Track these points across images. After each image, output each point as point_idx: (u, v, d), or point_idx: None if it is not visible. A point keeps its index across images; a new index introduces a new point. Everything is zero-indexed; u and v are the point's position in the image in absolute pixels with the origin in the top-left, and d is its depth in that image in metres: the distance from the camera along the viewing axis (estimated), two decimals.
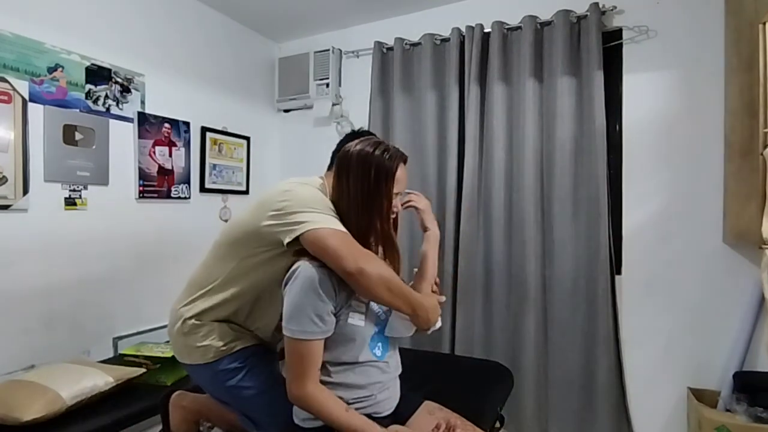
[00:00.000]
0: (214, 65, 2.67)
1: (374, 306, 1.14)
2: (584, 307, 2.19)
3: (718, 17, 2.01)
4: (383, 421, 1.11)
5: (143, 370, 1.78)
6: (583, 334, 2.19)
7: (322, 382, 1.07)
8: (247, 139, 2.89)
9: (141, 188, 2.24)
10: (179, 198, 2.45)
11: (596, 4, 2.16)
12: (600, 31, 2.15)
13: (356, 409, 1.09)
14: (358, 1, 2.58)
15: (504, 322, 2.33)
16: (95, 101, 2.06)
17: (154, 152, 2.31)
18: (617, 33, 2.21)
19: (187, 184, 2.49)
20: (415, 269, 1.30)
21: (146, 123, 2.26)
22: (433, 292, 1.25)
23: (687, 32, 2.08)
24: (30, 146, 1.81)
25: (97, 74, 2.06)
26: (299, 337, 1.03)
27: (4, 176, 1.73)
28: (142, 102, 2.26)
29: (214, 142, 2.67)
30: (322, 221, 1.09)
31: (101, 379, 1.62)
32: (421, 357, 1.89)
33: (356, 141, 1.13)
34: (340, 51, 2.89)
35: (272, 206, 1.15)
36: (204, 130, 2.60)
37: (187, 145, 2.49)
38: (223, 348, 1.27)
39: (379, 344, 1.15)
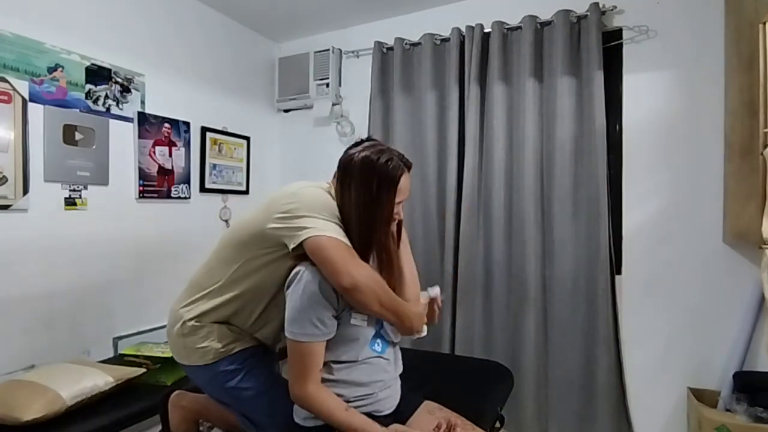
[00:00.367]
0: (214, 65, 2.67)
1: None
2: (584, 307, 2.19)
3: (718, 17, 2.01)
4: (384, 420, 1.11)
5: (143, 370, 1.78)
6: (583, 334, 2.19)
7: (325, 380, 1.08)
8: (247, 139, 2.89)
9: (141, 188, 2.24)
10: (179, 198, 2.45)
11: (596, 4, 2.16)
12: (600, 31, 2.15)
13: (358, 407, 1.10)
14: (358, 1, 2.58)
15: (504, 322, 2.33)
16: (95, 101, 2.06)
17: (154, 152, 2.31)
18: (617, 33, 2.21)
19: (187, 184, 2.49)
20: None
21: (146, 123, 2.26)
22: (430, 316, 1.27)
23: (687, 32, 2.08)
24: (30, 146, 1.81)
25: (97, 74, 2.06)
26: (301, 339, 1.04)
27: (4, 176, 1.73)
28: (142, 102, 2.26)
29: (214, 142, 2.67)
30: (325, 229, 1.08)
31: (101, 379, 1.62)
32: (421, 357, 1.89)
33: (360, 147, 1.12)
34: (340, 51, 2.89)
35: (279, 208, 1.15)
36: (204, 130, 2.60)
37: (187, 145, 2.49)
38: (222, 350, 1.26)
39: (378, 341, 1.16)
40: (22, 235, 1.80)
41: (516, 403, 2.21)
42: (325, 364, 1.09)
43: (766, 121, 1.63)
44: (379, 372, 1.15)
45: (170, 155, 2.39)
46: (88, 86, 2.02)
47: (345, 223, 1.11)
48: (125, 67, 2.18)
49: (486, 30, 2.38)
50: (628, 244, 2.20)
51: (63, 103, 1.93)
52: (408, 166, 1.13)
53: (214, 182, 2.67)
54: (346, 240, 1.10)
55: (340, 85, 2.90)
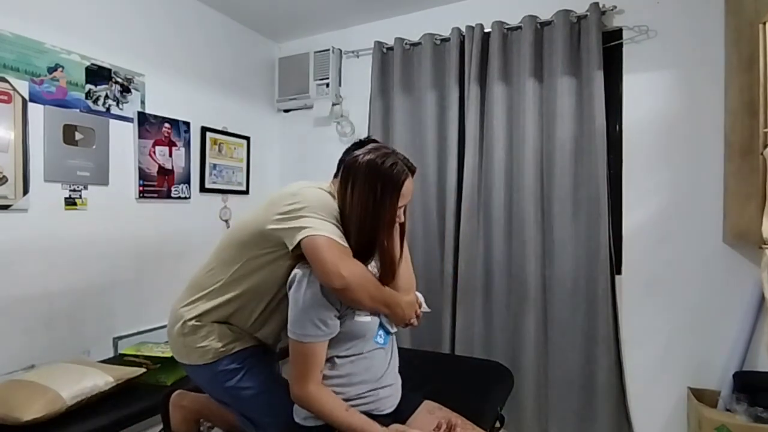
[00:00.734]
0: (214, 65, 2.67)
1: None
2: (584, 307, 2.19)
3: (718, 17, 2.01)
4: (384, 420, 1.11)
5: (143, 370, 1.78)
6: (583, 334, 2.19)
7: (328, 376, 1.09)
8: (247, 139, 2.90)
9: (141, 188, 2.24)
10: (179, 198, 2.45)
11: (596, 3, 2.16)
12: (600, 31, 2.15)
13: (359, 405, 1.10)
14: (358, 1, 2.58)
15: (504, 322, 2.33)
16: (95, 101, 2.06)
17: (154, 152, 2.31)
18: (617, 33, 2.21)
19: (187, 184, 2.49)
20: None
21: (146, 123, 2.26)
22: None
23: (687, 32, 2.08)
24: (30, 146, 1.81)
25: (97, 74, 2.06)
26: (302, 340, 1.04)
27: (4, 176, 1.73)
28: (142, 102, 2.26)
29: (214, 142, 2.67)
30: (322, 229, 1.09)
31: (101, 379, 1.62)
32: (421, 357, 1.89)
33: (365, 150, 1.12)
34: (340, 51, 2.89)
35: (279, 209, 1.16)
36: (204, 130, 2.60)
37: (187, 145, 2.49)
38: (222, 349, 1.27)
39: (381, 332, 1.17)
40: (22, 235, 1.80)
41: (516, 403, 2.21)
42: (328, 359, 1.09)
43: (766, 121, 1.63)
44: (380, 362, 1.16)
45: (170, 155, 2.39)
46: (88, 86, 2.02)
47: (347, 225, 1.11)
48: (125, 67, 2.18)
49: (486, 30, 2.38)
50: (628, 244, 2.20)
51: (63, 103, 1.93)
52: (412, 170, 1.13)
53: (214, 182, 2.67)
54: (342, 240, 1.10)
55: (340, 85, 2.90)
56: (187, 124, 2.49)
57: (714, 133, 2.02)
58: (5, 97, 1.74)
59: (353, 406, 1.09)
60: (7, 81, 1.74)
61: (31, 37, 1.82)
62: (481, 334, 2.37)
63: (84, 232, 2.01)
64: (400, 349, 1.30)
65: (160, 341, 2.05)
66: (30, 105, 1.81)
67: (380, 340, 1.16)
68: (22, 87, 1.79)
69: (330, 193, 1.21)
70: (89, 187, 2.03)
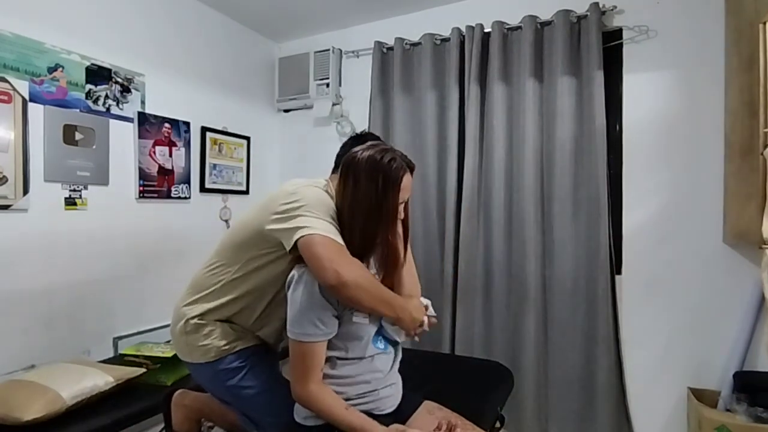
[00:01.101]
0: (214, 65, 2.67)
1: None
2: (584, 307, 2.19)
3: (718, 17, 2.01)
4: (384, 420, 1.11)
5: (143, 370, 1.78)
6: (583, 334, 2.19)
7: (328, 376, 1.09)
8: (247, 139, 2.90)
9: (141, 188, 2.24)
10: (179, 198, 2.45)
11: (596, 3, 2.16)
12: (600, 30, 2.15)
13: (359, 404, 1.11)
14: (358, 1, 2.58)
15: (504, 322, 2.33)
16: (95, 101, 2.06)
17: (155, 152, 2.31)
18: (617, 33, 2.21)
19: (187, 184, 2.49)
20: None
21: (146, 123, 2.26)
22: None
23: (687, 32, 2.08)
24: (30, 146, 1.81)
25: (97, 74, 2.06)
26: (302, 339, 1.04)
27: (4, 176, 1.73)
28: (142, 102, 2.26)
29: (214, 142, 2.67)
30: (317, 227, 1.08)
31: (101, 379, 1.62)
32: (421, 357, 1.89)
33: (364, 146, 1.12)
34: (341, 51, 2.89)
35: (276, 208, 1.16)
36: (204, 130, 2.60)
37: (187, 145, 2.49)
38: (225, 347, 1.27)
39: (380, 338, 1.17)
40: (22, 234, 1.80)
41: (516, 403, 2.21)
42: (329, 359, 1.10)
43: (766, 121, 1.63)
44: (381, 367, 1.16)
45: (170, 155, 2.39)
46: (88, 86, 2.02)
47: (348, 220, 1.11)
48: (125, 67, 2.18)
49: (486, 30, 2.38)
50: (628, 244, 2.20)
51: (63, 103, 1.93)
52: (411, 167, 1.14)
53: (214, 182, 2.67)
54: (338, 238, 1.09)
55: (340, 85, 2.90)
56: (187, 124, 2.49)
57: (714, 133, 2.02)
58: (5, 97, 1.74)
59: (353, 405, 1.09)
60: (7, 81, 1.74)
61: (31, 37, 1.82)
62: (481, 334, 2.37)
63: (84, 232, 2.01)
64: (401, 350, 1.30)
65: (160, 341, 2.05)
66: (30, 105, 1.81)
67: (380, 345, 1.16)
68: (22, 87, 1.79)
69: (327, 190, 1.21)
70: (89, 187, 2.03)
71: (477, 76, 2.38)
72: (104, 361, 1.92)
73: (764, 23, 1.61)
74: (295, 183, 1.22)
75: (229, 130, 2.76)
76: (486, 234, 2.39)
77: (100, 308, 2.08)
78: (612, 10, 2.19)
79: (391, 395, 1.19)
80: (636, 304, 2.17)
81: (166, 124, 2.37)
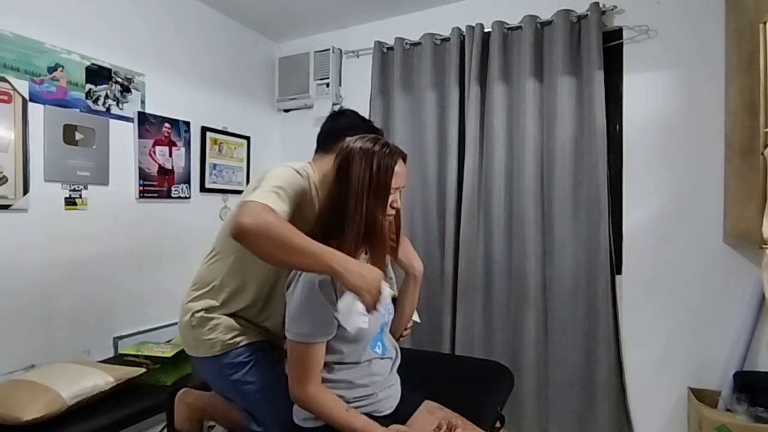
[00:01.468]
0: (214, 65, 2.67)
1: (379, 308, 1.14)
2: (584, 307, 2.19)
3: (718, 17, 2.01)
4: (384, 421, 1.11)
5: (143, 369, 1.78)
6: (584, 334, 2.19)
7: (325, 380, 1.08)
8: (248, 139, 2.89)
9: (141, 188, 2.24)
10: (179, 198, 2.45)
11: (596, 3, 2.16)
12: (600, 30, 2.15)
13: (357, 407, 1.10)
14: (358, 1, 2.58)
15: (504, 322, 2.33)
16: (95, 101, 2.05)
17: (155, 152, 2.31)
18: (617, 33, 2.20)
19: (187, 184, 2.49)
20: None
21: (146, 123, 2.26)
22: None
23: (687, 32, 2.08)
24: (30, 146, 1.81)
25: (97, 74, 2.06)
26: (300, 340, 1.04)
27: (4, 176, 1.73)
28: (142, 102, 2.26)
29: (214, 141, 2.67)
30: (259, 197, 1.09)
31: (101, 379, 1.62)
32: (421, 357, 1.89)
33: (355, 138, 1.15)
34: (341, 51, 2.89)
35: (246, 194, 1.20)
36: (204, 129, 2.60)
37: (187, 144, 2.49)
38: (229, 341, 1.30)
39: (379, 343, 1.16)
40: (22, 234, 1.80)
41: (516, 403, 2.21)
42: (326, 364, 1.09)
43: (767, 121, 1.63)
44: (379, 371, 1.15)
45: (170, 155, 2.39)
46: (88, 86, 2.02)
47: (344, 210, 1.10)
48: (125, 66, 2.18)
49: (486, 30, 2.38)
50: (628, 244, 2.20)
51: (63, 103, 1.93)
52: (403, 156, 1.16)
53: (214, 182, 2.67)
54: (276, 206, 1.09)
55: (340, 84, 2.90)
56: (187, 123, 2.49)
57: (714, 133, 2.02)
58: (5, 97, 1.74)
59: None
60: (7, 81, 1.74)
61: (31, 37, 1.82)
62: (481, 333, 2.36)
63: (84, 232, 2.01)
64: (400, 349, 1.30)
65: (160, 341, 2.05)
66: (30, 105, 1.81)
67: (378, 350, 1.16)
68: (22, 87, 1.79)
69: (300, 170, 1.26)
70: (89, 187, 2.03)
71: (477, 76, 2.37)
72: (104, 361, 1.92)
73: (764, 23, 1.61)
74: (272, 166, 1.27)
75: (229, 130, 2.76)
76: (486, 234, 2.39)
77: (100, 308, 2.08)
78: (612, 9, 2.19)
79: (390, 396, 1.19)
80: (636, 304, 2.17)
81: (166, 124, 2.37)
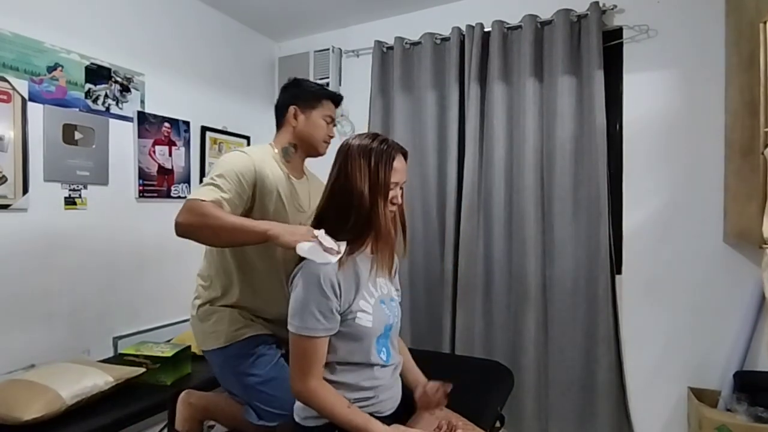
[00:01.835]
0: (214, 64, 2.67)
1: (384, 308, 1.14)
2: (584, 307, 2.19)
3: (718, 16, 2.00)
4: (384, 421, 1.11)
5: (143, 369, 1.78)
6: (584, 334, 2.19)
7: (327, 380, 1.08)
8: (247, 138, 2.89)
9: (141, 188, 2.24)
10: (179, 197, 2.45)
11: (596, 3, 2.15)
12: (600, 30, 2.15)
13: (359, 408, 1.09)
14: (358, 1, 2.58)
15: (504, 322, 2.33)
16: (95, 100, 2.05)
17: (154, 152, 2.31)
18: (618, 32, 2.20)
19: (187, 184, 2.49)
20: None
21: (146, 122, 2.26)
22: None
23: (687, 31, 2.07)
24: (30, 146, 1.81)
25: (97, 73, 2.06)
26: (302, 333, 1.04)
27: (3, 176, 1.73)
28: (142, 101, 2.26)
29: (214, 141, 2.67)
30: (196, 193, 1.25)
31: (101, 379, 1.62)
32: (421, 357, 1.88)
33: (354, 135, 1.18)
34: (340, 50, 2.89)
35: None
36: (204, 129, 2.60)
37: (187, 144, 2.49)
38: (234, 333, 1.36)
39: (384, 349, 1.16)
40: (22, 234, 1.80)
41: (516, 403, 2.21)
42: (328, 364, 1.09)
43: (767, 121, 1.63)
44: (381, 375, 1.15)
45: (170, 155, 2.39)
46: (88, 86, 2.02)
47: (345, 207, 1.11)
48: (125, 66, 2.18)
49: (486, 29, 2.37)
50: (628, 244, 2.20)
51: (63, 103, 1.93)
52: (403, 152, 1.18)
53: None
54: (209, 196, 1.23)
55: (340, 84, 2.90)
56: (187, 123, 2.49)
57: (714, 133, 2.02)
58: (5, 97, 1.74)
59: None
60: (6, 80, 1.74)
61: (30, 37, 1.82)
62: (482, 333, 2.36)
63: (84, 232, 2.01)
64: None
65: (160, 341, 2.05)
66: (29, 104, 1.81)
67: (383, 357, 1.15)
68: (22, 86, 1.79)
69: (246, 152, 1.38)
70: (89, 186, 2.03)
71: (477, 76, 2.37)
72: (104, 361, 1.92)
73: (764, 22, 1.61)
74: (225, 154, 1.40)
75: (229, 130, 2.76)
76: (486, 233, 2.39)
77: (100, 308, 2.08)
78: (612, 9, 2.19)
79: (391, 398, 1.19)
80: (636, 303, 2.17)
81: (166, 124, 2.37)
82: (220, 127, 2.70)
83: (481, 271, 2.38)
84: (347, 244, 1.11)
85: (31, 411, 1.41)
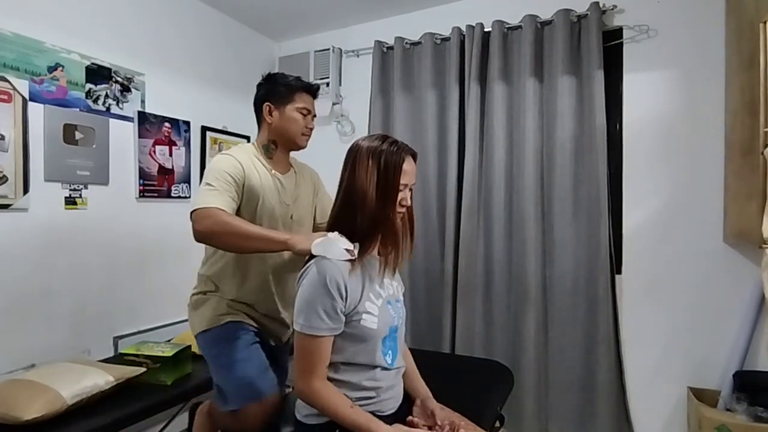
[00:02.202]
0: (214, 64, 2.67)
1: (389, 309, 1.15)
2: (584, 307, 2.19)
3: (718, 16, 2.01)
4: (386, 420, 1.11)
5: (143, 369, 1.78)
6: (584, 334, 2.19)
7: (330, 379, 1.09)
8: (248, 138, 2.89)
9: (141, 187, 2.24)
10: (179, 197, 2.45)
11: (596, 3, 2.16)
12: (600, 30, 2.15)
13: (360, 407, 1.10)
14: (358, 1, 2.58)
15: (504, 322, 2.33)
16: (95, 100, 2.05)
17: (155, 151, 2.31)
18: (618, 32, 2.20)
19: (187, 184, 2.49)
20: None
21: (146, 122, 2.26)
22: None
23: (687, 31, 2.08)
24: (30, 145, 1.81)
25: (97, 73, 2.06)
26: (306, 332, 1.05)
27: (4, 175, 1.73)
28: (142, 101, 2.26)
29: (214, 141, 2.67)
30: (203, 201, 1.29)
31: (101, 379, 1.62)
32: (421, 357, 1.89)
33: (364, 137, 1.19)
34: (341, 50, 2.89)
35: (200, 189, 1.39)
36: (204, 129, 2.60)
37: (188, 144, 2.49)
38: (216, 317, 1.43)
39: (390, 351, 1.16)
40: (22, 234, 1.80)
41: (516, 403, 2.21)
42: (332, 364, 1.09)
43: (767, 121, 1.63)
44: (384, 377, 1.15)
45: (170, 154, 2.39)
46: (89, 85, 2.02)
47: (355, 209, 1.12)
48: (125, 66, 2.18)
49: (486, 29, 2.38)
50: (628, 244, 2.20)
51: (63, 103, 1.93)
52: (412, 153, 1.17)
53: None
54: (217, 202, 1.28)
55: (340, 84, 2.90)
56: (187, 123, 2.49)
57: (714, 133, 2.02)
58: (5, 97, 1.74)
59: None
60: (7, 80, 1.74)
61: (31, 37, 1.82)
62: (482, 333, 2.37)
63: (84, 232, 2.01)
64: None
65: (160, 341, 2.05)
66: (30, 104, 1.81)
67: (389, 360, 1.15)
68: (22, 86, 1.79)
69: (231, 154, 1.42)
70: (89, 186, 2.03)
71: (477, 76, 2.37)
72: (104, 361, 1.92)
73: (765, 22, 1.61)
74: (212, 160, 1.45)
75: (229, 130, 2.76)
76: (486, 233, 2.39)
77: (100, 307, 2.08)
78: (612, 9, 2.19)
79: (392, 397, 1.19)
80: (636, 304, 2.17)
81: (166, 124, 2.37)
82: (220, 127, 2.70)
83: (481, 271, 2.38)
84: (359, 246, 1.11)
85: (32, 411, 1.41)
